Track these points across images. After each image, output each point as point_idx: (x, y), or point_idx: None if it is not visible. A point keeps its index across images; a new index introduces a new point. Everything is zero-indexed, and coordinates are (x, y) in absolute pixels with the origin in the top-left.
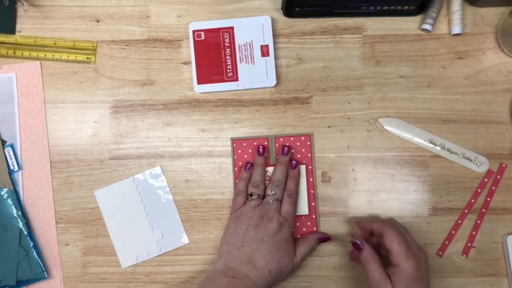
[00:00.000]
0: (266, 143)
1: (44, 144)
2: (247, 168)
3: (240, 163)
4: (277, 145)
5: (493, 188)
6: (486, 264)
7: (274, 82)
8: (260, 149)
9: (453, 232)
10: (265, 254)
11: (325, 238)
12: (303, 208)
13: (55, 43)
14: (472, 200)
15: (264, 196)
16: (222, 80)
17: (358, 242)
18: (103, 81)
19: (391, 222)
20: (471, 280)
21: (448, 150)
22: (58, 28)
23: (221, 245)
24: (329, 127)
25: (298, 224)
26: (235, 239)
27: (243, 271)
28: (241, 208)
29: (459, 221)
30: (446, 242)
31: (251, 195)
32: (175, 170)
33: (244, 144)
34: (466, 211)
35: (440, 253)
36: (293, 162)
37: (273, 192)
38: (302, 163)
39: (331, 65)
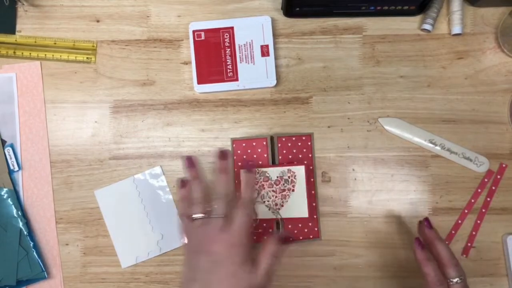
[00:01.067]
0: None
1: (44, 144)
2: (182, 186)
3: (239, 163)
4: (280, 144)
5: (493, 188)
6: (486, 264)
7: (274, 82)
8: (187, 162)
9: (453, 232)
10: (218, 286)
11: (286, 238)
12: (303, 211)
13: (55, 43)
14: (472, 200)
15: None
16: (222, 80)
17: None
18: (103, 81)
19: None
20: (471, 280)
21: (448, 150)
22: (58, 28)
23: (181, 278)
24: (329, 127)
25: (300, 225)
26: (187, 271)
27: None
28: (186, 233)
29: (459, 221)
30: (446, 242)
31: (193, 216)
32: (175, 170)
33: (243, 145)
34: (466, 211)
35: None
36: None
37: (215, 207)
38: (303, 163)
39: (331, 65)
